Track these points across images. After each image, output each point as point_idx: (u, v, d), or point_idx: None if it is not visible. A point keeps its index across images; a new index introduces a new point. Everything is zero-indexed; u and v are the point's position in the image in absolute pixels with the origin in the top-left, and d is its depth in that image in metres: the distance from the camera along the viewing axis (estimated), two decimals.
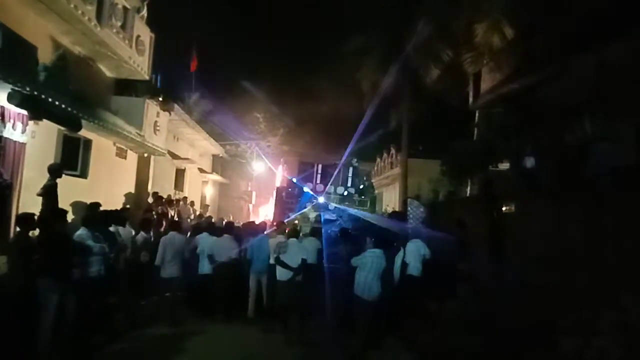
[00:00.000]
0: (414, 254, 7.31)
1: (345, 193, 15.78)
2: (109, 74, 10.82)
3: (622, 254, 5.15)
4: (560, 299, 5.42)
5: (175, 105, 12.87)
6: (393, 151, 22.68)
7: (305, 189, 14.69)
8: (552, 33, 8.74)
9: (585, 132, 7.37)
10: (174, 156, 14.16)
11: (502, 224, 7.82)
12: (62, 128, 7.99)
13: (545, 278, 6.22)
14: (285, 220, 10.37)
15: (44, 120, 7.13)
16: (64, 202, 7.23)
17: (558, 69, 8.38)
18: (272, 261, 7.06)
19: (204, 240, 7.77)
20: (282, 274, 6.61)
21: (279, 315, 6.71)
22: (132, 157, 11.40)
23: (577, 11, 8.17)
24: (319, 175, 16.13)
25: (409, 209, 12.98)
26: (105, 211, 7.13)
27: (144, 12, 11.13)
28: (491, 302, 6.89)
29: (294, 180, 16.09)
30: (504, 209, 8.08)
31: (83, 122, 7.75)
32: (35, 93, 6.40)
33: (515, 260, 7.06)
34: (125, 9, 9.91)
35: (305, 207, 13.51)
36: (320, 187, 15.24)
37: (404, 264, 7.26)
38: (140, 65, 10.82)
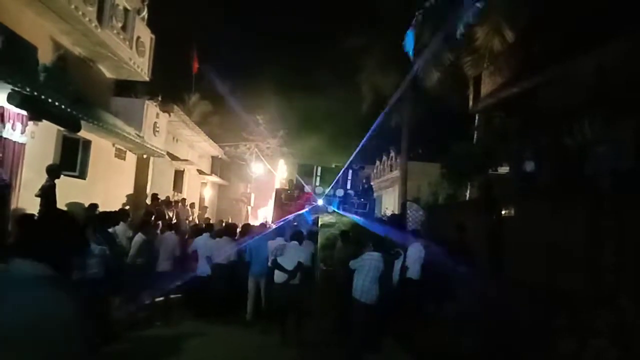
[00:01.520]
0: (414, 257, 7.32)
1: (345, 195, 15.77)
2: (109, 74, 10.82)
3: (621, 256, 5.15)
4: (559, 300, 5.41)
5: (175, 107, 12.87)
6: (393, 154, 22.68)
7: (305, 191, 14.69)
8: (552, 36, 8.76)
9: (585, 135, 7.38)
10: (173, 157, 14.15)
11: (502, 227, 7.82)
12: (62, 129, 7.99)
13: (544, 280, 6.21)
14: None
15: (44, 120, 7.12)
16: (62, 203, 7.22)
17: (558, 72, 8.40)
18: (269, 263, 7.05)
19: (204, 242, 7.78)
20: (278, 276, 6.60)
21: (276, 318, 6.69)
22: (131, 158, 11.39)
23: (576, 13, 8.19)
24: (318, 178, 16.13)
25: (408, 211, 12.97)
26: (104, 212, 7.11)
27: (145, 14, 11.14)
28: (490, 304, 6.88)
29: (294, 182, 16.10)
30: (503, 212, 8.07)
31: (82, 122, 7.74)
32: (35, 93, 6.39)
33: (515, 263, 7.05)
34: (126, 10, 9.92)
35: (305, 209, 13.48)
36: (319, 189, 15.23)
37: (404, 268, 7.26)
38: (141, 67, 10.82)
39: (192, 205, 14.18)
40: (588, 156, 6.86)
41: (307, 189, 15.09)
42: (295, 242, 6.86)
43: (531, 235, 6.88)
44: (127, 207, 9.94)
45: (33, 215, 5.36)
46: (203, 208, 15.96)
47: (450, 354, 6.02)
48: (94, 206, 7.58)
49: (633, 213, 5.09)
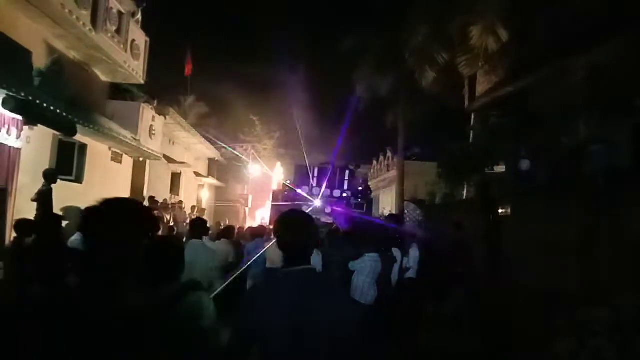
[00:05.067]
0: (412, 257, 7.33)
1: (342, 196, 15.77)
2: (104, 78, 10.78)
3: (616, 254, 5.18)
4: (556, 299, 5.43)
5: (171, 109, 12.85)
6: (389, 154, 22.71)
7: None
8: (547, 35, 8.81)
9: (580, 134, 7.41)
10: (170, 160, 14.12)
11: (499, 226, 7.85)
12: (57, 133, 7.95)
13: (540, 279, 6.24)
14: None
15: (39, 125, 7.09)
16: (59, 207, 7.18)
17: (553, 71, 8.44)
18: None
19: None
20: None
21: None
22: (128, 162, 11.35)
23: (571, 12, 8.23)
24: (315, 179, 16.11)
25: (406, 211, 12.99)
26: None
27: (139, 17, 11.11)
28: (487, 303, 6.91)
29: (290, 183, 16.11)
30: (500, 211, 8.11)
31: (78, 126, 7.72)
32: (30, 98, 6.36)
33: (511, 261, 7.08)
34: (120, 13, 9.89)
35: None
36: (316, 190, 15.21)
37: (405, 269, 7.26)
38: (136, 70, 10.79)
39: (194, 208, 14.21)
40: (583, 155, 6.90)
41: (305, 190, 15.06)
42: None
43: (528, 234, 6.92)
44: None
45: (31, 220, 5.33)
46: (200, 210, 15.92)
47: (448, 353, 6.03)
48: None
49: (627, 212, 5.12)
